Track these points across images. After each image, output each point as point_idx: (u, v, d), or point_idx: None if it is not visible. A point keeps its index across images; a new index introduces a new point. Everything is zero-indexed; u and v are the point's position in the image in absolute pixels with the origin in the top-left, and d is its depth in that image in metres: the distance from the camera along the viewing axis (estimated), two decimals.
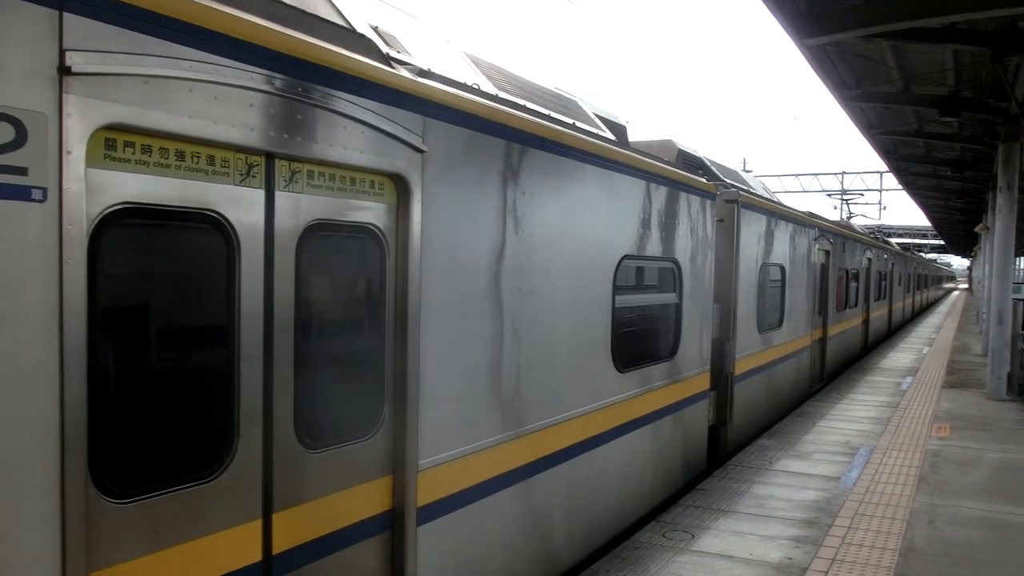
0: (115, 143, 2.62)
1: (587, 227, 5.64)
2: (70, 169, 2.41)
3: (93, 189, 2.54)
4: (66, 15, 2.38)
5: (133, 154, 2.68)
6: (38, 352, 2.36)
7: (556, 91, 6.31)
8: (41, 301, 2.37)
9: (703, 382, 8.33)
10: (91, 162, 2.52)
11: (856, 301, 19.04)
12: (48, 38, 2.35)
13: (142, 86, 2.61)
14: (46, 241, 2.37)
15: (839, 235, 16.34)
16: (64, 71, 2.38)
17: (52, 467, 2.41)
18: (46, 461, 2.40)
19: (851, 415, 12.03)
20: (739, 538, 6.47)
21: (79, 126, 2.43)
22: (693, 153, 9.85)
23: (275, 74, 3.11)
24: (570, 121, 5.81)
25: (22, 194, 2.30)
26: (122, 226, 2.68)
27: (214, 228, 3.00)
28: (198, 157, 2.90)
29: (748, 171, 15.54)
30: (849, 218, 46.08)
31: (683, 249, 7.46)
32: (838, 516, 7.05)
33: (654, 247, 6.82)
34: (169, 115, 2.70)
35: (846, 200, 48.28)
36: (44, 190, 2.35)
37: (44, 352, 2.38)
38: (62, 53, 2.38)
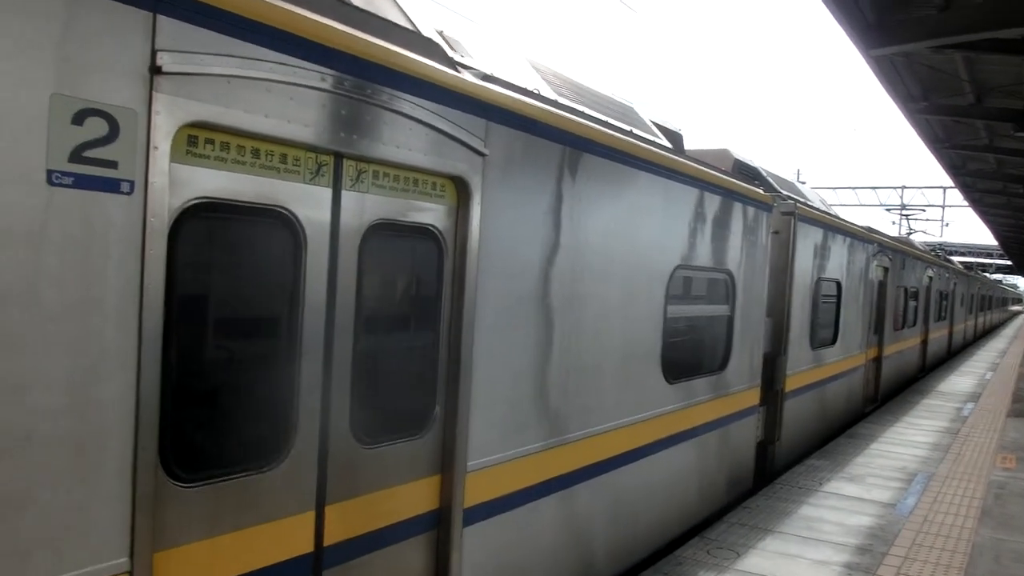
0: (197, 140, 2.72)
1: (641, 235, 5.62)
2: (156, 164, 2.52)
3: (175, 183, 2.65)
4: (159, 17, 2.50)
5: (213, 151, 2.78)
6: (118, 338, 2.47)
7: (613, 97, 6.31)
8: (123, 289, 2.47)
9: (752, 397, 8.20)
10: (174, 157, 2.63)
11: (915, 321, 18.49)
12: (142, 39, 2.46)
13: (224, 86, 2.71)
14: (130, 232, 2.48)
15: (898, 251, 15.90)
16: (155, 70, 2.49)
17: (126, 450, 2.52)
18: (121, 443, 2.50)
19: (907, 439, 11.67)
20: (787, 560, 6.34)
21: (166, 123, 2.53)
22: (749, 163, 9.71)
23: (346, 76, 3.19)
24: (627, 127, 5.80)
25: (112, 186, 2.41)
26: (199, 220, 2.79)
27: (283, 225, 3.09)
28: (271, 155, 2.99)
29: (802, 182, 15.21)
30: (909, 234, 44.79)
31: (737, 261, 7.37)
32: (893, 544, 6.82)
33: (708, 258, 6.75)
34: (247, 114, 2.80)
35: (906, 216, 46.91)
36: (132, 183, 2.46)
37: (123, 339, 2.48)
38: (154, 53, 2.49)
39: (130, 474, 2.53)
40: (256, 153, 2.93)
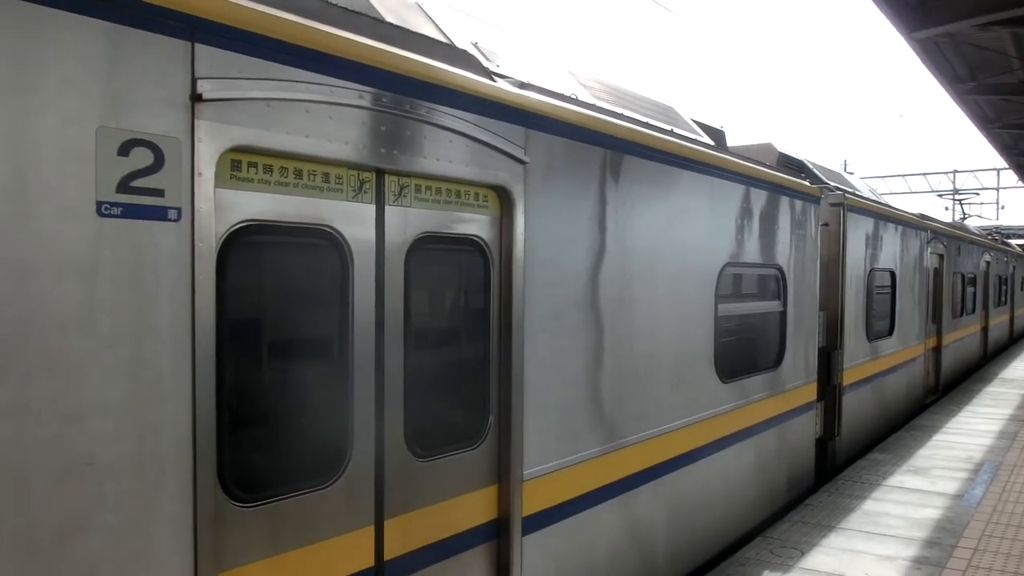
0: (240, 164, 2.76)
1: (688, 235, 5.53)
2: (201, 190, 2.56)
3: (220, 208, 2.69)
4: (197, 46, 2.54)
5: (256, 174, 2.81)
6: (173, 362, 2.51)
7: (653, 98, 6.24)
8: (175, 314, 2.52)
9: (810, 393, 8.01)
10: (219, 182, 2.67)
11: (974, 307, 17.89)
12: (182, 68, 2.50)
13: (264, 109, 2.74)
14: (180, 258, 2.52)
15: (953, 237, 15.41)
16: (196, 98, 2.53)
17: (185, 472, 2.55)
18: (179, 466, 2.54)
19: (972, 428, 11.28)
20: (853, 556, 6.17)
21: (209, 149, 2.57)
22: (794, 156, 9.52)
23: (384, 92, 3.21)
24: (668, 127, 5.73)
25: (159, 214, 2.46)
26: (246, 243, 2.82)
27: (329, 243, 3.11)
28: (314, 175, 3.02)
29: (850, 173, 14.89)
30: (963, 219, 43.42)
31: (787, 255, 7.21)
32: (963, 537, 6.60)
33: (756, 254, 6.62)
34: (288, 135, 2.83)
35: (959, 200, 45.53)
36: (179, 210, 2.51)
37: (178, 363, 2.52)
38: (194, 81, 2.53)
39: (190, 496, 2.56)
40: (299, 174, 2.96)
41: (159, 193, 2.45)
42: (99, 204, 2.31)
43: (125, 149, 2.36)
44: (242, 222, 2.78)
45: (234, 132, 2.65)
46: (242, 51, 2.68)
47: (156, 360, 2.47)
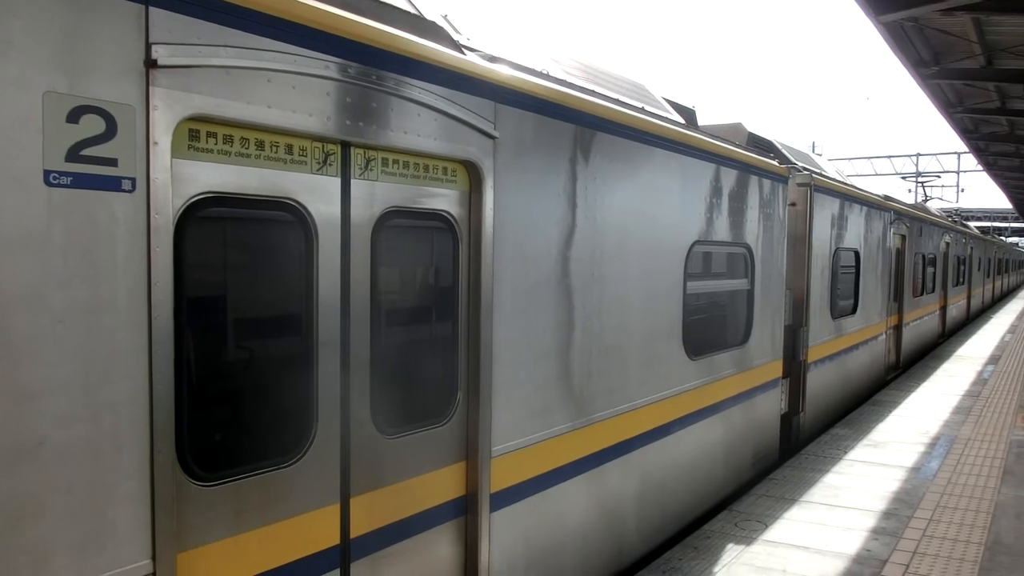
0: (199, 134, 2.67)
1: (657, 212, 5.53)
2: (157, 160, 2.47)
3: (178, 179, 2.60)
4: (152, 9, 2.43)
5: (215, 144, 2.73)
6: (129, 338, 2.43)
7: (625, 75, 6.21)
8: (131, 289, 2.43)
9: (775, 370, 8.12)
10: (176, 153, 2.58)
11: (933, 287, 18.30)
12: (135, 33, 2.40)
13: (224, 77, 2.65)
14: (135, 230, 2.43)
15: (915, 218, 15.69)
16: (150, 64, 2.43)
17: (142, 451, 2.49)
18: (137, 445, 2.47)
19: (929, 404, 11.57)
20: (814, 528, 6.30)
21: (165, 118, 2.48)
22: (763, 136, 9.57)
23: (350, 63, 3.12)
24: (639, 105, 5.71)
25: (112, 184, 2.36)
26: (205, 215, 2.74)
27: (293, 216, 3.04)
28: (277, 147, 2.94)
29: (818, 154, 15.07)
30: (925, 201, 44.26)
31: (755, 234, 7.27)
32: (918, 508, 6.79)
33: (725, 232, 6.66)
34: (249, 105, 2.74)
35: (921, 183, 46.41)
36: (133, 180, 2.42)
37: (135, 338, 2.45)
38: (148, 47, 2.43)
39: (148, 476, 2.50)
40: (260, 145, 2.87)
41: (112, 162, 2.36)
42: (47, 173, 2.21)
43: (75, 116, 2.26)
44: (201, 194, 2.69)
45: (192, 100, 2.56)
46: (201, 16, 2.58)
47: (111, 336, 2.39)
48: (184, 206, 2.64)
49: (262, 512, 2.94)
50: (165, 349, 2.53)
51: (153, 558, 2.51)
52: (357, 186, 3.27)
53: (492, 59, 4.12)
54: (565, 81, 4.81)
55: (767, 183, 7.54)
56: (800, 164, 9.72)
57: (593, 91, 5.08)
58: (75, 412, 2.31)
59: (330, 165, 3.15)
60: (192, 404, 2.72)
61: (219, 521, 2.80)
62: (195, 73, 2.56)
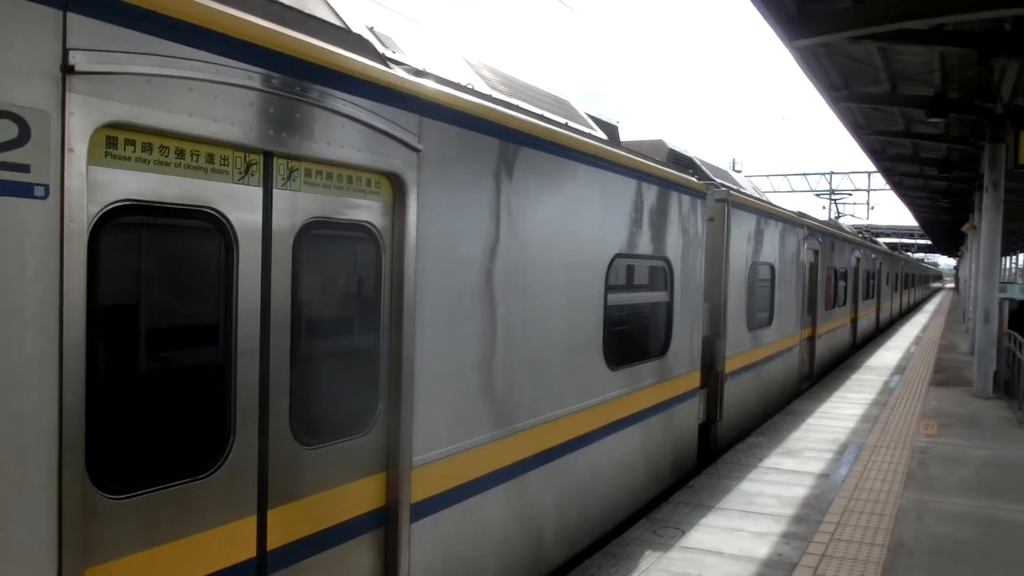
0: (116, 141, 2.63)
1: (579, 226, 5.68)
2: (72, 167, 2.43)
3: (94, 186, 2.56)
4: (70, 15, 2.40)
5: (134, 152, 2.70)
6: (39, 348, 2.38)
7: (549, 91, 6.35)
8: (42, 297, 2.38)
9: (693, 380, 8.38)
10: (92, 160, 2.54)
11: (845, 300, 19.17)
12: (52, 37, 2.37)
13: (144, 85, 2.63)
14: (47, 238, 2.39)
15: (828, 234, 16.45)
16: (67, 70, 2.40)
17: (50, 463, 2.43)
18: (44, 457, 2.41)
19: (840, 413, 12.12)
20: (729, 534, 6.53)
21: (81, 124, 2.44)
22: (684, 153, 9.90)
23: (273, 73, 3.13)
24: (563, 120, 5.85)
25: (24, 191, 2.32)
26: (122, 223, 2.70)
27: (213, 226, 3.02)
28: (198, 155, 2.92)
29: (738, 171, 15.68)
30: (837, 218, 46.34)
31: (674, 248, 7.51)
32: (827, 512, 7.11)
33: (646, 246, 6.87)
34: (170, 113, 2.72)
35: (834, 200, 48.60)
36: (46, 187, 2.37)
37: (44, 348, 2.39)
38: (65, 52, 2.39)
39: (56, 489, 2.44)
40: (181, 153, 2.85)
41: (24, 168, 2.31)
42: None
43: None
44: (117, 201, 2.65)
45: (110, 107, 2.53)
46: (121, 23, 2.56)
47: (19, 345, 2.33)
48: (100, 213, 2.60)
49: (176, 525, 2.90)
50: (76, 359, 2.48)
51: (59, 573, 2.45)
52: (279, 196, 3.27)
53: (418, 73, 4.17)
54: (490, 96, 4.91)
55: (686, 199, 7.82)
56: (719, 181, 10.09)
57: (518, 106, 5.19)
58: None
59: (252, 175, 3.15)
60: (104, 415, 2.66)
61: (131, 535, 2.74)
62: (114, 80, 2.54)
